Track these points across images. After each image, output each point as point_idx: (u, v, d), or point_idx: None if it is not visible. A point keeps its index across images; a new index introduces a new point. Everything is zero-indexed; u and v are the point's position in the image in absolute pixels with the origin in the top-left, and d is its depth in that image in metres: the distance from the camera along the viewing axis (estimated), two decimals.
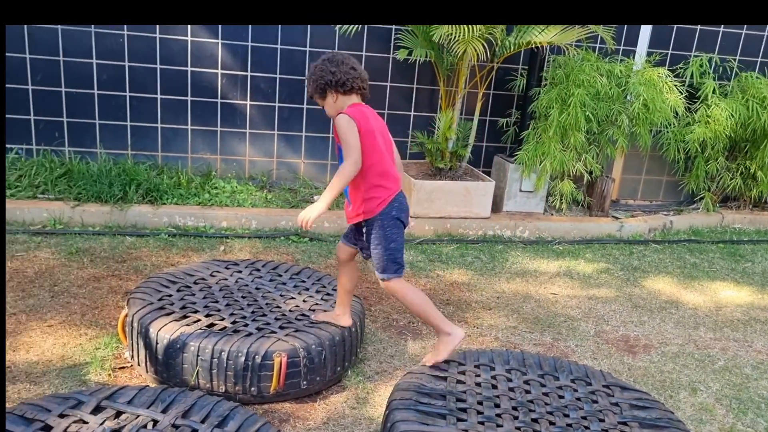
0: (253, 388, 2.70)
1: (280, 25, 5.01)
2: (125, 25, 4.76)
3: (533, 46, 4.93)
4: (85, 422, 2.09)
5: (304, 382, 2.78)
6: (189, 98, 5.04)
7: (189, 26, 4.85)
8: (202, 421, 2.16)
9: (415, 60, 5.12)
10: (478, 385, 2.52)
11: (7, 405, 2.56)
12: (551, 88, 5.05)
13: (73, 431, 2.04)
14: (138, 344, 2.81)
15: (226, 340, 2.69)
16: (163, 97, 4.99)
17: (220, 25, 4.91)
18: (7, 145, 4.82)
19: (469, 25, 4.36)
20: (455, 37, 4.41)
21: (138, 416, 2.15)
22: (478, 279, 4.30)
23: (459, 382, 2.52)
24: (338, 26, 4.98)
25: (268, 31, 5.00)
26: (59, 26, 4.64)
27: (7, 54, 4.62)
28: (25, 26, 4.60)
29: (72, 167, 4.76)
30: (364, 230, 2.80)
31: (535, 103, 5.15)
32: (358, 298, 3.25)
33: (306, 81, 2.83)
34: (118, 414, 2.16)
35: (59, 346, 3.01)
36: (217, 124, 5.15)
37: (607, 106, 5.15)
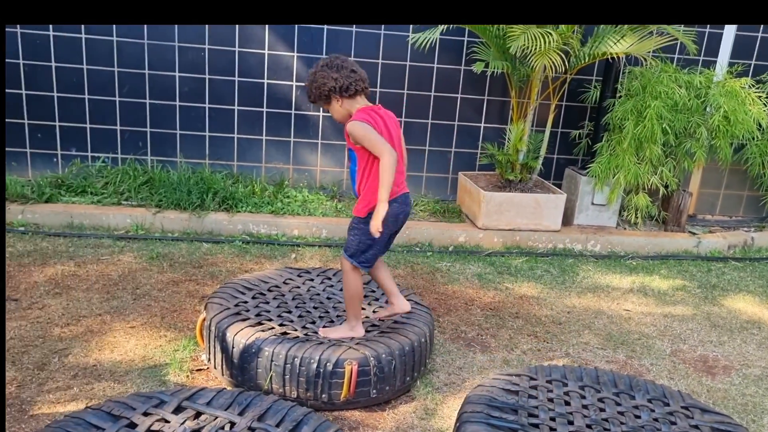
0: (324, 395, 2.75)
1: (353, 38, 5.10)
2: (206, 41, 4.95)
3: (608, 56, 4.83)
4: (167, 421, 2.18)
5: (374, 391, 2.81)
6: (264, 109, 5.19)
7: (266, 40, 5.01)
8: (277, 425, 2.21)
9: (487, 72, 5.11)
10: (551, 400, 2.48)
11: (92, 402, 2.70)
12: (626, 99, 4.94)
13: (156, 429, 2.14)
14: (215, 348, 2.91)
15: (299, 347, 2.75)
16: (240, 108, 5.16)
17: (296, 39, 5.04)
18: (95, 154, 5.09)
19: (545, 37, 4.31)
20: (531, 50, 4.37)
21: (216, 418, 2.22)
22: (548, 293, 4.24)
23: (531, 396, 2.49)
24: (411, 39, 5.02)
25: (341, 44, 5.10)
26: (146, 41, 4.88)
27: (97, 67, 4.89)
28: (115, 41, 4.85)
29: (153, 175, 4.97)
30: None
31: (610, 114, 5.04)
32: (427, 309, 3.27)
33: (306, 87, 2.80)
34: (198, 414, 2.24)
35: (141, 347, 3.15)
36: (291, 135, 5.28)
37: (686, 118, 4.99)
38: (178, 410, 2.24)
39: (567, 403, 2.49)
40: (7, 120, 4.92)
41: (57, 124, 4.98)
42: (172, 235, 4.58)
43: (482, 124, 5.47)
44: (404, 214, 2.89)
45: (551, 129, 5.25)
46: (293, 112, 5.23)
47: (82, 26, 4.79)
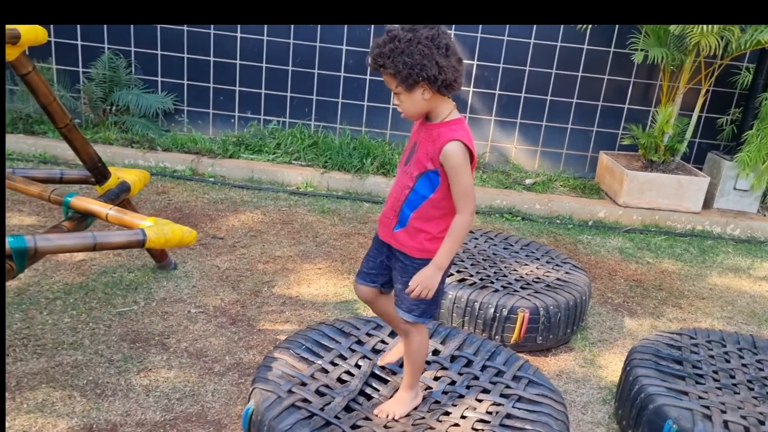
0: (497, 337, 3.15)
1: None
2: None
3: (766, 44, 4.88)
4: (386, 343, 2.66)
5: (540, 338, 3.19)
6: None
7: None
8: (475, 354, 2.64)
9: (641, 59, 5.31)
10: (712, 357, 2.77)
11: (303, 324, 3.22)
12: None
13: (379, 348, 2.61)
14: None
15: (478, 293, 3.16)
16: None
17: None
18: (268, 117, 5.68)
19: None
20: (690, 30, 4.53)
21: None
22: (688, 270, 4.45)
23: (693, 352, 2.79)
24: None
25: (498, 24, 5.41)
26: None
27: (276, 39, 5.44)
28: None
29: (317, 139, 5.51)
30: (402, 264, 2.15)
31: (765, 103, 5.09)
32: (585, 271, 3.60)
33: (386, 51, 1.90)
34: None
35: (331, 285, 3.67)
36: None
37: None
38: (393, 334, 2.71)
39: (727, 361, 2.77)
40: (195, 83, 5.58)
41: (237, 88, 5.60)
42: (336, 193, 5.10)
43: (626, 106, 5.65)
44: None
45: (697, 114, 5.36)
46: None
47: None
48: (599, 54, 5.49)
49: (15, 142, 5.04)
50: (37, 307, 3.07)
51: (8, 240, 2.07)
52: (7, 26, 2.41)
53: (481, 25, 5.42)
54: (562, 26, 5.39)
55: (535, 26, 5.41)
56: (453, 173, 1.98)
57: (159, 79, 5.59)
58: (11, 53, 2.44)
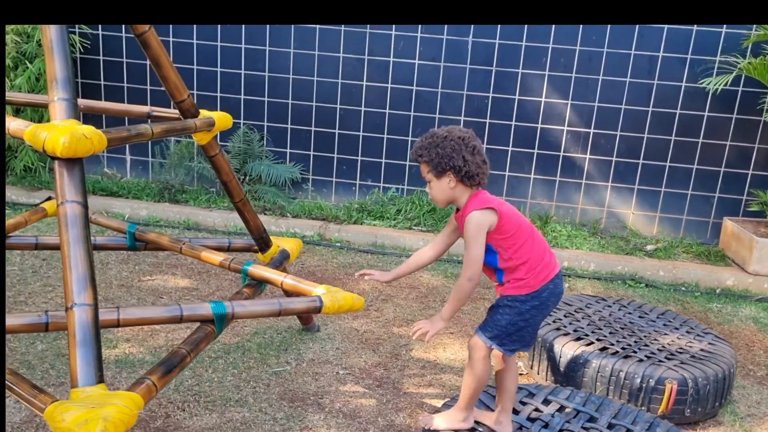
0: (642, 407, 3.13)
1: (626, 88, 5.48)
2: (491, 90, 5.62)
3: None
4: (540, 411, 2.71)
5: (688, 411, 3.14)
6: (535, 151, 5.73)
7: (544, 89, 5.56)
8: (633, 423, 2.65)
9: (761, 120, 5.22)
10: None
11: (445, 389, 3.31)
12: None
13: (534, 417, 2.67)
14: (540, 356, 3.42)
15: (623, 362, 3.16)
16: (514, 149, 5.74)
17: (571, 88, 5.54)
18: (386, 185, 5.94)
19: None
20: None
21: (578, 412, 2.71)
22: None
23: None
24: (707, 83, 5.14)
25: (615, 91, 5.50)
26: (439, 90, 5.66)
27: (398, 111, 5.75)
28: (414, 90, 5.68)
29: (435, 205, 5.70)
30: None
31: None
32: (729, 343, 3.53)
33: (424, 145, 2.42)
34: (561, 408, 2.74)
35: (466, 350, 3.74)
36: (557, 174, 5.76)
37: None
38: (545, 402, 2.77)
39: None
40: (321, 154, 5.94)
41: (359, 158, 5.91)
42: (457, 258, 5.23)
43: (750, 171, 5.55)
44: (557, 297, 2.55)
45: None
46: (561, 154, 5.71)
47: (389, 77, 5.68)
48: (721, 120, 5.46)
49: (162, 210, 5.50)
50: (203, 365, 3.32)
51: (210, 306, 2.31)
52: (203, 113, 2.74)
53: (598, 94, 5.53)
54: (681, 94, 5.42)
55: (654, 92, 5.47)
56: (465, 242, 2.45)
57: (288, 150, 5.98)
58: (204, 138, 2.76)
